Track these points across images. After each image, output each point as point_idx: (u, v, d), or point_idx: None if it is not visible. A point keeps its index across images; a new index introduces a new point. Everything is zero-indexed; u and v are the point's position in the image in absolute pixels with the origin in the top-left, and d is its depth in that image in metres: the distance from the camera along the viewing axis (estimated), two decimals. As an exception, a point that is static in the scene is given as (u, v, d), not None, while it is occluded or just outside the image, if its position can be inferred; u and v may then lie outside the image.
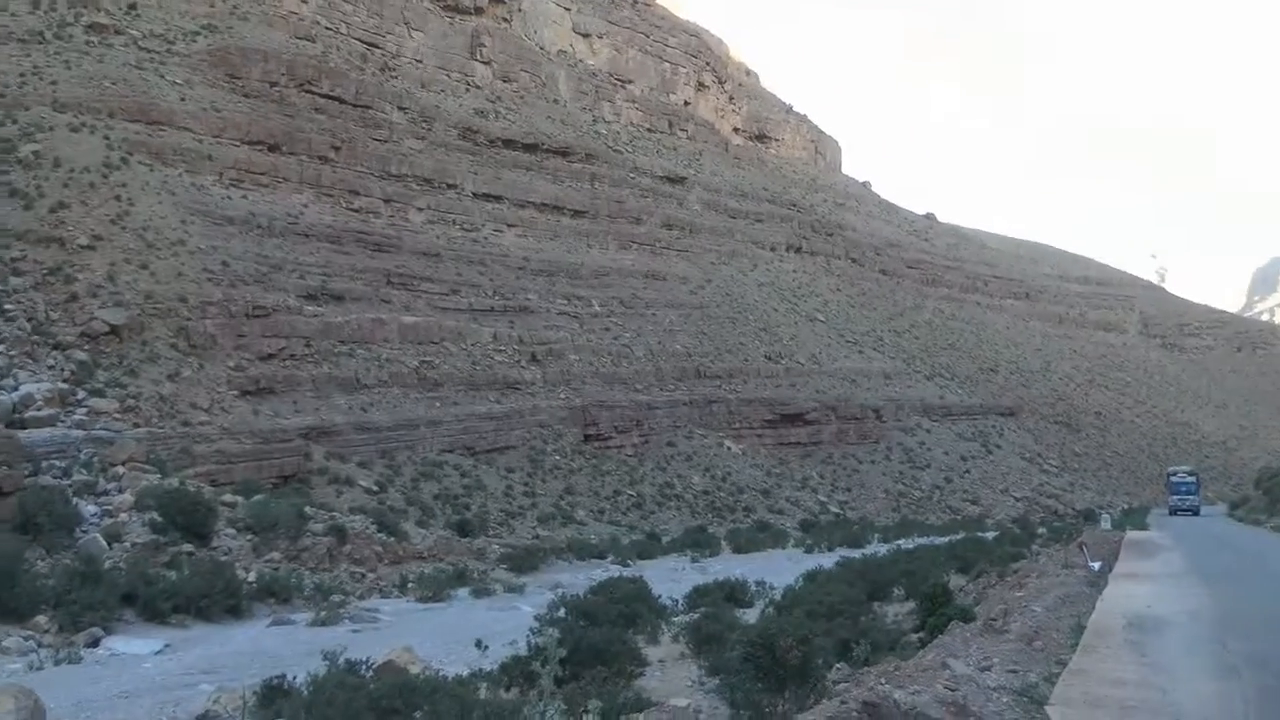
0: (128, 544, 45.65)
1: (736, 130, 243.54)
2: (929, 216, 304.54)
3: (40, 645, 29.32)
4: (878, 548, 77.97)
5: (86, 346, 76.65)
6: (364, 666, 21.82)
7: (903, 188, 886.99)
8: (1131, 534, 51.23)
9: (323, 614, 38.57)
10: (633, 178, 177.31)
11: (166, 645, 31.55)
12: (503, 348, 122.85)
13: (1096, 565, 32.90)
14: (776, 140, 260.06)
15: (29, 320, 75.52)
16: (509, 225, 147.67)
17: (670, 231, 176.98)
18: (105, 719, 20.62)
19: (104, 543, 44.95)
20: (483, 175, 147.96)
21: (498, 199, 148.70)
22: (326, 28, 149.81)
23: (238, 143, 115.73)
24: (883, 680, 15.58)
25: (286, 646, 30.92)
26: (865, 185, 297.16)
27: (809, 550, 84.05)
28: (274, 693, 19.85)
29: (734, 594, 42.57)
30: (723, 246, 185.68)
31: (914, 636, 25.91)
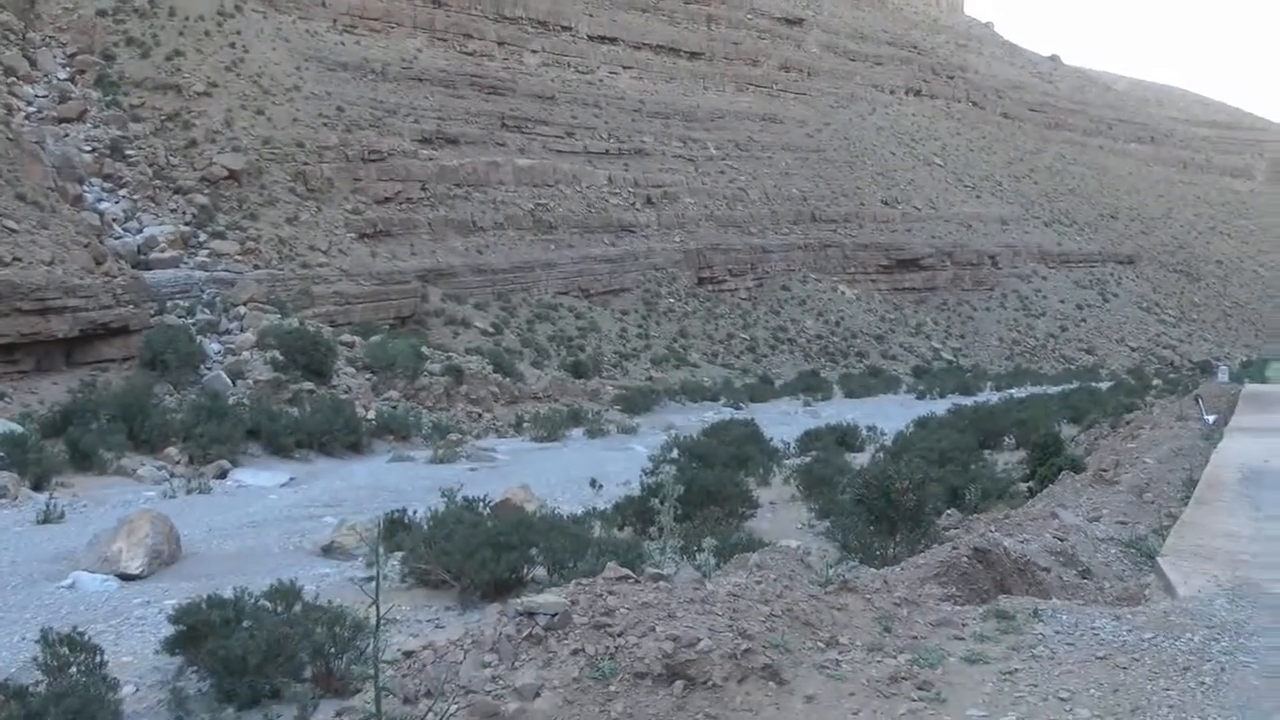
0: (250, 381, 46.88)
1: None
2: (1053, 58, 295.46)
3: (172, 475, 30.35)
4: (990, 396, 77.43)
5: (206, 190, 77.94)
6: (481, 503, 22.30)
7: (1028, 28, 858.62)
8: (1250, 387, 50.18)
9: (440, 452, 39.36)
10: (750, 19, 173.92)
11: (291, 478, 32.46)
12: (617, 190, 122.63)
13: (1212, 418, 32.28)
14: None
15: (150, 165, 76.86)
16: (624, 67, 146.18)
17: (788, 74, 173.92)
18: (235, 546, 21.37)
19: (228, 379, 46.23)
20: (598, 17, 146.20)
21: (613, 41, 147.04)
22: None
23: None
24: (992, 527, 15.66)
25: (406, 482, 31.67)
26: (988, 26, 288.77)
27: (921, 397, 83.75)
28: (395, 526, 20.41)
29: (845, 438, 42.65)
30: (841, 90, 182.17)
31: (1024, 486, 25.92)
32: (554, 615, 8.40)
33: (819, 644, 8.57)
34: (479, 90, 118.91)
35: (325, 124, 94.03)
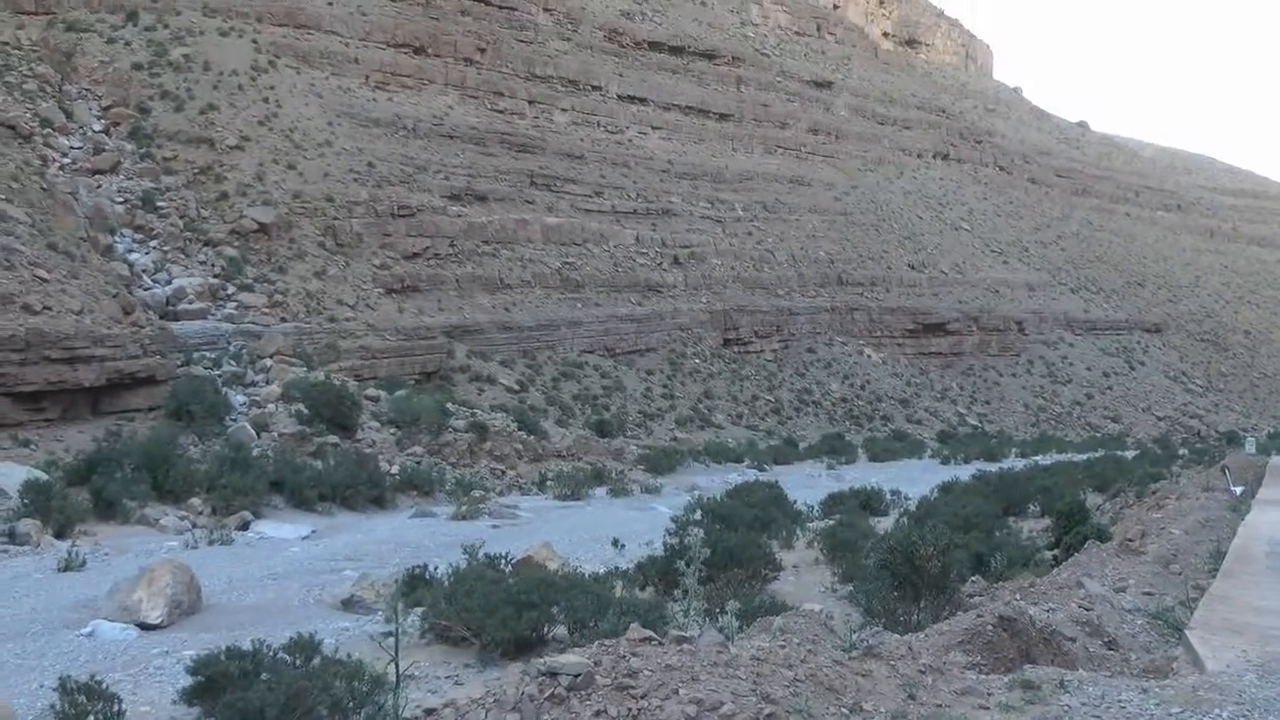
0: (275, 433, 46.95)
1: (886, 35, 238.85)
2: (1081, 124, 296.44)
3: (195, 525, 30.35)
4: (1015, 462, 77.07)
5: (236, 243, 78.60)
6: (503, 560, 22.23)
7: (1056, 94, 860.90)
8: (1277, 459, 49.78)
9: (463, 508, 39.25)
10: (779, 82, 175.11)
11: (313, 531, 32.41)
12: (645, 250, 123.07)
13: (1239, 489, 32.03)
14: (926, 45, 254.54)
15: (181, 217, 77.71)
16: (653, 128, 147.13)
17: (816, 137, 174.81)
18: (255, 597, 21.30)
19: (252, 431, 46.30)
20: (628, 78, 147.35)
21: (642, 101, 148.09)
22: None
23: (384, 45, 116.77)
24: (1017, 595, 15.53)
25: (428, 538, 31.56)
26: (1016, 91, 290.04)
27: (945, 461, 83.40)
28: (416, 581, 20.35)
29: (869, 502, 42.42)
30: (869, 153, 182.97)
31: (1048, 554, 25.70)
32: (577, 676, 8.34)
33: (843, 710, 8.48)
34: (509, 148, 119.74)
35: (355, 179, 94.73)
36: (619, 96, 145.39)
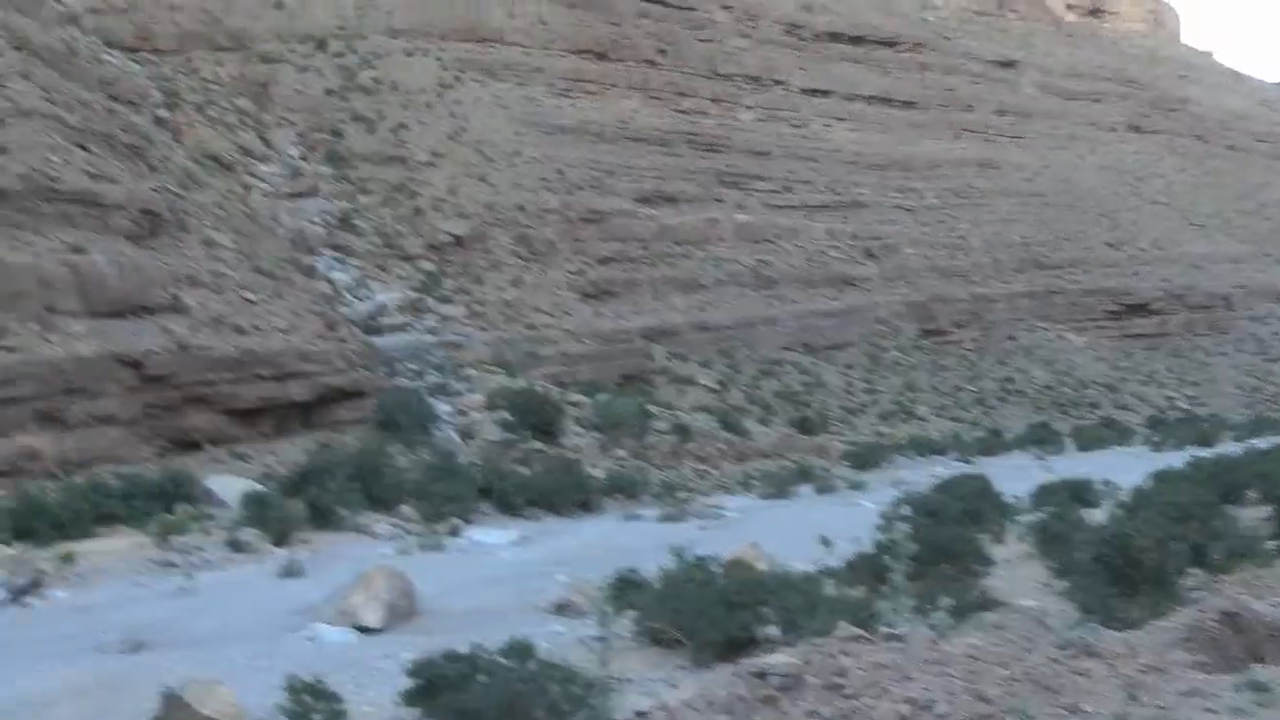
0: (481, 441, 47.69)
1: (1069, 6, 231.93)
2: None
3: (407, 532, 30.89)
4: (1230, 447, 73.92)
5: (433, 257, 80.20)
6: (712, 561, 22.00)
7: (1250, 54, 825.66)
8: None
9: (669, 510, 39.23)
10: (962, 64, 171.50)
11: (522, 536, 32.63)
12: (837, 244, 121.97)
13: None
14: (1112, 13, 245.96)
15: (378, 235, 79.72)
16: (838, 120, 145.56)
17: (1003, 118, 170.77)
18: (468, 602, 21.47)
19: (459, 439, 47.10)
20: (810, 71, 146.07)
21: (826, 93, 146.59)
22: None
23: (565, 53, 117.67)
24: (1241, 589, 14.66)
25: (636, 541, 31.47)
26: (1208, 55, 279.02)
27: (1156, 448, 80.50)
28: (626, 584, 20.23)
29: (1080, 493, 41.06)
30: (1058, 130, 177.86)
31: (1270, 544, 24.40)
32: (786, 675, 8.11)
33: (1060, 711, 8.00)
34: (695, 148, 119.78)
35: (546, 187, 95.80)
36: (802, 90, 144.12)
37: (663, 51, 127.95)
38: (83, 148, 48.66)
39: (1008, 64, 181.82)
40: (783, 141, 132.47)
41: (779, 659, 8.43)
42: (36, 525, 27.49)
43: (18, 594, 22.79)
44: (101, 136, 51.24)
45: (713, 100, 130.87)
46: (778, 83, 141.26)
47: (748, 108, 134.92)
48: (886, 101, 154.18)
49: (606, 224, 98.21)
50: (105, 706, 14.41)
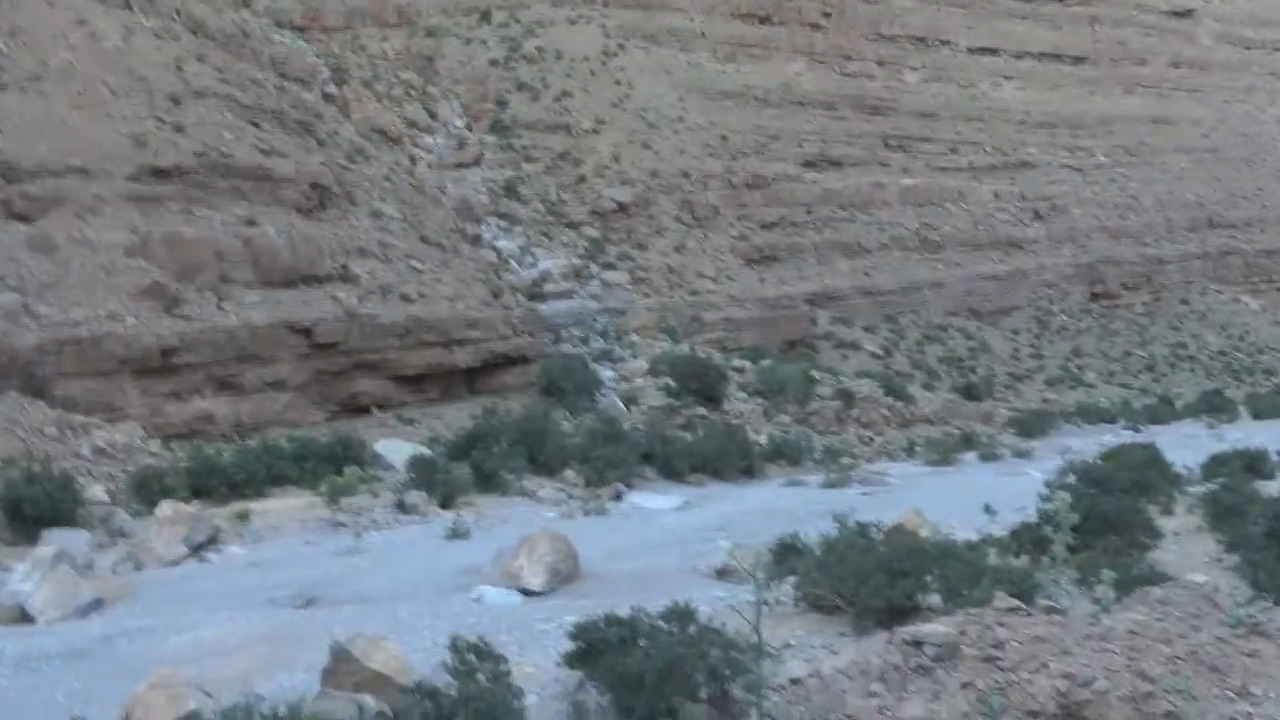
0: (644, 406, 47.90)
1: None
2: None
3: (570, 497, 31.17)
4: None
5: (597, 224, 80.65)
6: (874, 528, 21.77)
7: None
8: None
9: (832, 476, 38.93)
10: (1135, 15, 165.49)
11: (685, 501, 32.65)
12: (1004, 206, 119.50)
13: None
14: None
15: (542, 203, 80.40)
16: (1006, 78, 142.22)
17: (1178, 70, 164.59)
18: (631, 566, 21.53)
19: (622, 405, 47.39)
20: (977, 29, 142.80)
21: (993, 52, 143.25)
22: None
23: (729, 18, 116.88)
24: None
25: (798, 506, 31.25)
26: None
27: (1338, 417, 77.22)
28: (788, 550, 20.11)
29: (1254, 464, 39.58)
30: (1237, 82, 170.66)
31: None
32: (942, 646, 8.00)
33: (1227, 693, 7.69)
34: (860, 111, 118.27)
35: (709, 153, 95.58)
36: (969, 49, 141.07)
37: (827, 14, 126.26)
38: (255, 125, 50.31)
39: (1183, 13, 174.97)
40: (949, 102, 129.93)
41: (935, 629, 8.33)
42: (213, 485, 28.64)
43: (197, 549, 23.89)
44: (272, 114, 52.73)
45: (878, 63, 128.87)
46: (944, 43, 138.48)
47: (913, 69, 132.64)
48: (1056, 58, 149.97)
49: (770, 189, 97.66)
50: (279, 656, 14.81)
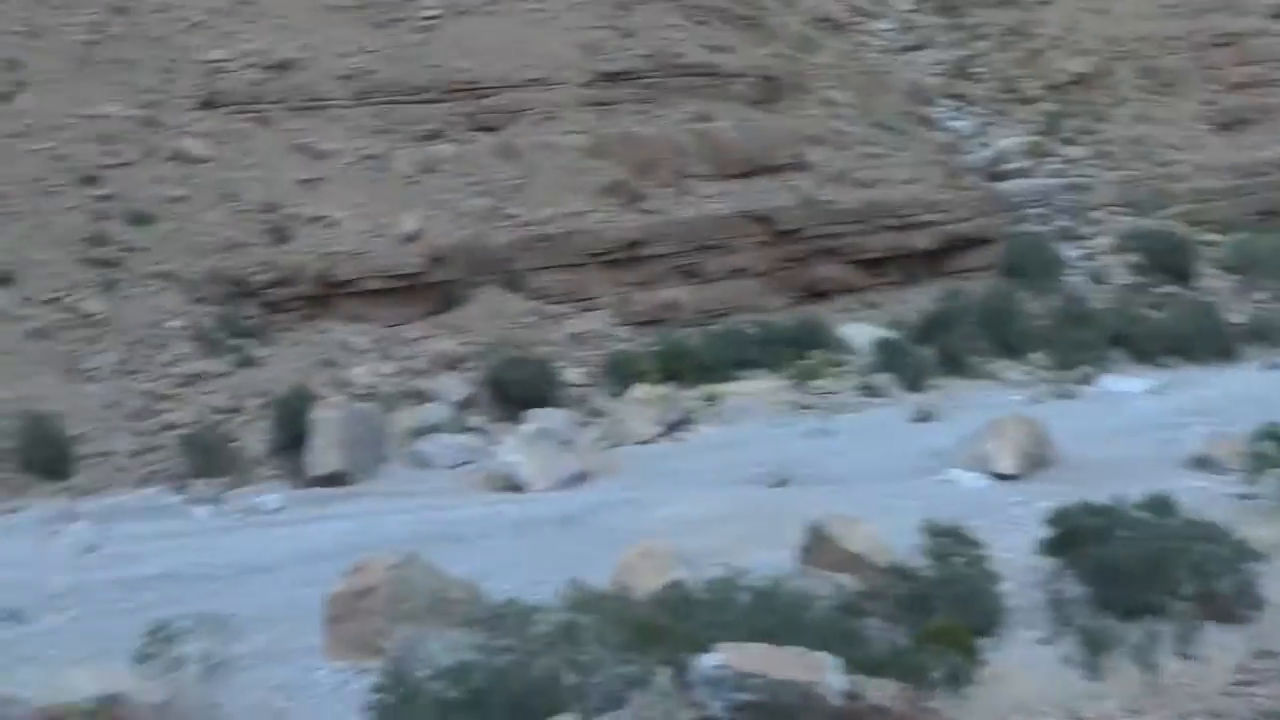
0: (1110, 286, 46.44)
1: None
2: None
3: (1038, 380, 30.89)
4: None
5: (1054, 98, 77.85)
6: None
7: None
8: None
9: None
10: None
11: (1157, 385, 31.74)
12: None
13: None
14: None
15: (996, 80, 78.30)
16: None
17: None
18: (1103, 452, 21.24)
19: (1088, 285, 46.12)
20: None
21: None
22: None
23: None
24: None
25: (1277, 392, 29.76)
26: None
27: None
28: (1273, 439, 19.26)
29: None
30: None
31: None
32: None
33: None
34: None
35: (1170, 13, 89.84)
36: None
37: None
38: (702, 24, 51.51)
39: None
40: None
41: None
42: (682, 368, 30.13)
43: (670, 428, 25.37)
44: (717, 11, 53.77)
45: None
46: None
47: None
48: None
49: (1240, 46, 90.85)
50: (754, 533, 15.67)
